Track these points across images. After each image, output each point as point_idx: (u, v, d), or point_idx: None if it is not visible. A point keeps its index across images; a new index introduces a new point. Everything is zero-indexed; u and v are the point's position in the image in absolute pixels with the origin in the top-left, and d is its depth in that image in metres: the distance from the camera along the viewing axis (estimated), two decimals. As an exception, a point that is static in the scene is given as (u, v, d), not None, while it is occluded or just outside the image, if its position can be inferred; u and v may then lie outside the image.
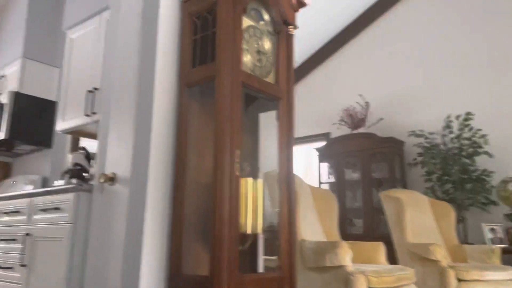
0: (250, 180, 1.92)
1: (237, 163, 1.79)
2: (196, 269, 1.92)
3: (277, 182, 2.10)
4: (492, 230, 4.25)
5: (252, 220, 1.90)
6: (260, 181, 1.98)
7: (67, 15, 3.52)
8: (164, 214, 1.94)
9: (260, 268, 1.99)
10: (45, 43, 4.12)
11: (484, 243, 4.22)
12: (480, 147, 4.36)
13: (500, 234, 4.23)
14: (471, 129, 4.45)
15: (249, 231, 1.89)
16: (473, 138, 4.42)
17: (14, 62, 4.07)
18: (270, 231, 2.18)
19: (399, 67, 5.47)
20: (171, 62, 2.08)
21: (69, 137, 3.95)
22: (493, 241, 4.18)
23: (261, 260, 1.99)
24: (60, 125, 3.34)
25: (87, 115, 3.07)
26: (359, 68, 5.84)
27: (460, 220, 4.32)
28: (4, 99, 3.88)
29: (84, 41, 3.31)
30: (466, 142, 4.47)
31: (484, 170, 4.39)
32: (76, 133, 3.49)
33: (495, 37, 4.82)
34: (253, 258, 2.00)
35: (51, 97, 4.05)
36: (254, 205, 1.91)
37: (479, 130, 4.44)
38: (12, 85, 3.97)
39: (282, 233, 2.01)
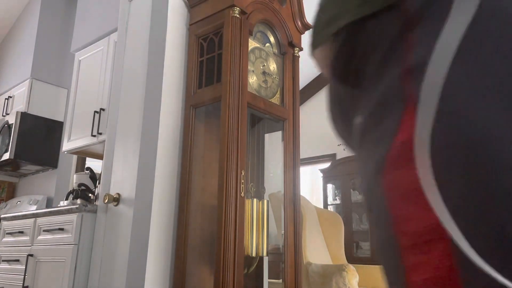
0: (255, 201, 1.90)
1: (242, 184, 1.78)
2: (200, 292, 1.89)
3: (282, 204, 2.08)
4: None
5: (257, 242, 1.87)
6: (265, 202, 1.96)
7: (75, 37, 3.58)
8: (169, 235, 1.92)
9: (265, 292, 1.95)
10: (53, 65, 4.18)
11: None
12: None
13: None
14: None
15: (254, 253, 1.86)
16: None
17: (22, 83, 4.12)
18: (275, 253, 2.15)
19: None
20: (177, 83, 2.09)
21: (75, 158, 3.96)
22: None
23: (266, 283, 1.96)
24: (66, 145, 3.35)
25: (93, 136, 3.08)
26: (364, 89, 5.85)
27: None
28: (12, 119, 3.91)
29: (91, 63, 3.35)
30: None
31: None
32: (82, 153, 3.50)
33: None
34: (258, 281, 1.96)
35: (58, 117, 4.08)
36: (259, 227, 1.89)
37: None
38: (20, 105, 4.01)
39: (287, 255, 1.98)
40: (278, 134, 2.15)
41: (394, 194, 0.39)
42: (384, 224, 0.41)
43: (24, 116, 3.87)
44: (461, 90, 0.35)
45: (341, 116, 0.52)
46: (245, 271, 1.81)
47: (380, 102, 0.41)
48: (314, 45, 0.49)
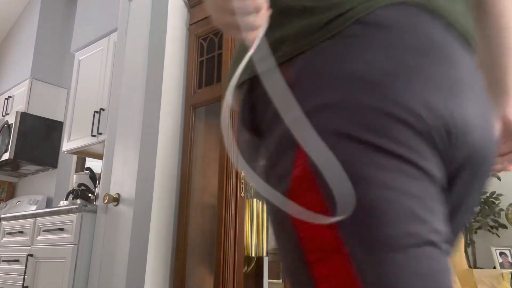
0: (255, 201, 1.90)
1: (242, 184, 1.78)
2: (200, 292, 1.89)
3: (282, 204, 2.08)
4: (502, 254, 4.17)
5: (257, 242, 1.87)
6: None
7: (75, 37, 3.58)
8: (169, 235, 1.92)
9: (265, 292, 1.95)
10: (53, 65, 4.18)
11: (493, 267, 4.14)
12: (488, 169, 4.32)
13: (510, 258, 4.14)
14: (478, 151, 4.42)
15: (253, 253, 1.86)
16: (481, 160, 4.39)
17: (22, 83, 4.12)
18: (275, 253, 2.15)
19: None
20: (177, 83, 2.09)
21: (75, 158, 3.96)
22: (503, 266, 4.10)
23: (266, 283, 1.96)
24: (66, 145, 3.35)
25: (93, 136, 3.08)
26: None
27: (469, 243, 4.25)
28: (11, 119, 3.91)
29: (91, 63, 3.35)
30: (473, 164, 4.43)
31: (493, 193, 4.34)
32: (82, 153, 3.50)
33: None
34: (258, 282, 1.96)
35: (58, 117, 4.08)
36: (259, 227, 1.89)
37: (486, 152, 4.41)
38: (20, 105, 4.01)
39: (287, 256, 1.98)
40: (278, 134, 2.15)
41: (299, 220, 0.49)
42: (294, 246, 0.50)
43: (24, 116, 3.87)
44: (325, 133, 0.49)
45: (249, 159, 0.60)
46: (245, 270, 1.81)
47: (276, 148, 0.52)
48: (224, 94, 0.57)
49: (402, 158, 0.49)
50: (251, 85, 0.58)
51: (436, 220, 0.51)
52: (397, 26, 0.53)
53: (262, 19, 0.53)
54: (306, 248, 0.50)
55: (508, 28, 0.70)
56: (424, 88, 0.52)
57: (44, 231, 2.57)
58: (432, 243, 0.49)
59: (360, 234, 0.47)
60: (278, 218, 0.53)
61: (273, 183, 0.52)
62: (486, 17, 0.70)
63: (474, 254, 4.25)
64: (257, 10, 0.52)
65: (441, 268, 0.50)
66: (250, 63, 0.54)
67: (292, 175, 0.49)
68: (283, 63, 0.55)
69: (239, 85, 0.59)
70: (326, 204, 0.48)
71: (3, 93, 4.43)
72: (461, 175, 0.57)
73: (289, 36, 0.56)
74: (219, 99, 1.87)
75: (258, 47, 0.52)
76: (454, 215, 0.60)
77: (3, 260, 2.85)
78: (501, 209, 4.31)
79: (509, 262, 4.13)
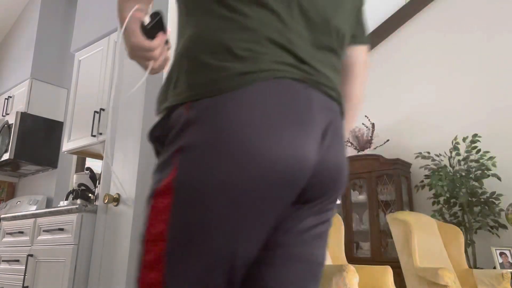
0: (255, 201, 1.90)
1: (242, 184, 1.77)
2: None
3: (282, 204, 2.07)
4: (502, 254, 4.17)
5: (257, 242, 1.87)
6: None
7: (75, 37, 3.58)
8: (168, 235, 1.92)
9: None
10: (53, 65, 4.18)
11: (493, 267, 4.13)
12: (488, 169, 4.31)
13: (510, 258, 4.14)
14: (478, 151, 4.41)
15: (254, 253, 1.86)
16: (481, 161, 4.38)
17: (22, 83, 4.12)
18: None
19: (406, 88, 5.48)
20: (177, 83, 2.09)
21: (75, 158, 3.96)
22: (503, 266, 4.10)
23: (266, 284, 1.95)
24: (66, 145, 3.35)
25: (93, 136, 3.08)
26: (365, 89, 5.84)
27: (469, 244, 4.25)
28: (11, 119, 3.91)
29: (91, 63, 3.35)
30: (474, 164, 4.43)
31: (493, 193, 4.33)
32: (82, 154, 3.50)
33: (504, 58, 4.83)
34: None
35: (58, 117, 4.08)
36: (259, 227, 1.89)
37: (487, 152, 4.40)
38: (20, 105, 4.01)
39: (287, 256, 1.97)
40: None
41: (152, 212, 0.73)
42: (143, 233, 0.74)
43: (24, 116, 3.87)
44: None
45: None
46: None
47: (164, 161, 0.74)
48: (156, 112, 0.82)
49: (250, 207, 0.73)
50: (168, 112, 0.78)
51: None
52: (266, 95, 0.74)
53: (161, 66, 0.89)
54: (146, 234, 0.73)
55: (360, 94, 1.11)
56: (278, 144, 0.72)
57: (44, 231, 2.57)
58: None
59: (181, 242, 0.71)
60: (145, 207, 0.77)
61: (154, 178, 0.76)
62: (348, 81, 1.04)
63: (474, 254, 4.25)
64: (155, 59, 0.85)
65: None
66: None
67: (163, 182, 0.72)
68: (184, 103, 0.75)
69: (163, 109, 0.79)
70: (167, 209, 0.71)
71: (3, 93, 4.43)
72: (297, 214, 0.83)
73: (193, 85, 0.76)
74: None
75: (167, 84, 0.80)
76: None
77: (3, 260, 2.85)
78: (501, 209, 4.30)
79: (509, 262, 4.12)
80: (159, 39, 0.85)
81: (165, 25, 0.88)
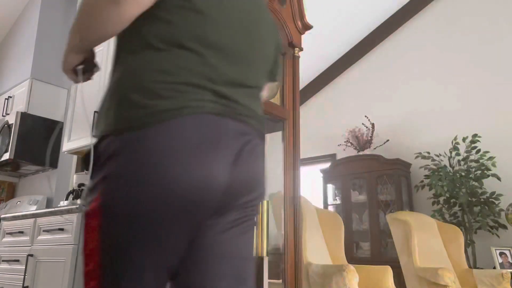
0: (255, 201, 1.90)
1: (242, 184, 1.78)
2: (200, 292, 1.89)
3: (282, 204, 2.08)
4: (502, 254, 4.17)
5: (257, 242, 1.87)
6: (265, 203, 1.95)
7: (75, 37, 3.57)
8: (168, 235, 1.92)
9: (265, 292, 1.95)
10: (53, 65, 4.17)
11: (493, 267, 4.13)
12: (488, 169, 4.31)
13: (510, 258, 4.14)
14: (478, 151, 4.42)
15: (253, 253, 1.86)
16: (481, 161, 4.39)
17: (22, 83, 4.12)
18: (275, 253, 2.15)
19: (405, 88, 5.48)
20: (177, 83, 2.09)
21: (75, 158, 3.96)
22: (503, 266, 4.10)
23: (266, 284, 1.96)
24: (66, 145, 3.35)
25: (94, 136, 3.07)
26: (364, 89, 5.85)
27: (469, 243, 4.25)
28: (12, 119, 3.91)
29: (91, 63, 3.34)
30: (474, 164, 4.43)
31: (493, 193, 4.33)
32: (82, 154, 3.50)
33: (503, 59, 4.83)
34: (258, 281, 1.96)
35: (58, 117, 4.08)
36: (259, 227, 1.89)
37: (487, 152, 4.40)
38: (20, 105, 4.01)
39: (287, 255, 1.97)
40: (278, 134, 2.15)
41: (86, 230, 0.86)
42: (82, 248, 0.88)
43: (24, 116, 3.87)
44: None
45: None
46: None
47: (93, 185, 0.87)
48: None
49: (168, 230, 0.87)
50: (100, 139, 0.90)
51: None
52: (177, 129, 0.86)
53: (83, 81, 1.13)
54: (84, 251, 0.87)
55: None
56: (192, 170, 0.85)
57: (44, 231, 2.57)
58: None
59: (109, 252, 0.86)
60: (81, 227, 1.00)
61: (85, 200, 0.89)
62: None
63: (474, 254, 4.25)
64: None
65: None
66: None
67: (91, 206, 0.86)
68: (111, 135, 0.88)
69: (97, 135, 0.92)
70: (96, 229, 0.85)
71: (3, 93, 4.43)
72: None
73: (120, 119, 0.87)
74: (219, 99, 1.87)
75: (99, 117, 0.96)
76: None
77: (3, 260, 2.85)
78: (501, 209, 4.31)
79: (509, 262, 4.12)
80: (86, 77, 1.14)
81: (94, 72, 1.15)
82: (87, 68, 1.08)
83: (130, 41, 0.93)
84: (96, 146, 0.91)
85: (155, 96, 0.85)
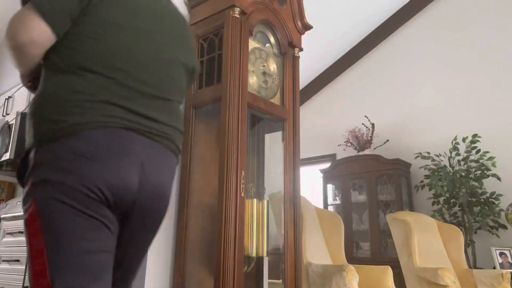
0: (255, 201, 1.90)
1: (242, 184, 1.78)
2: (200, 292, 1.89)
3: (282, 204, 2.08)
4: (502, 254, 4.17)
5: (257, 242, 1.87)
6: (265, 203, 1.96)
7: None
8: (169, 235, 1.92)
9: (265, 292, 1.95)
10: (53, 65, 4.17)
11: (493, 267, 4.14)
12: (488, 169, 4.31)
13: (510, 258, 4.15)
14: (478, 151, 4.42)
15: (254, 253, 1.86)
16: (481, 161, 4.39)
17: (23, 83, 4.11)
18: (276, 253, 2.15)
19: (405, 88, 5.48)
20: (177, 83, 2.09)
21: (75, 158, 3.95)
22: (503, 266, 4.10)
23: (266, 284, 1.96)
24: (66, 145, 3.35)
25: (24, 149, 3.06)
26: (365, 89, 5.85)
27: (469, 244, 4.25)
28: (12, 119, 3.91)
29: (92, 63, 3.34)
30: (474, 164, 4.43)
31: (493, 193, 4.34)
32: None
33: (503, 59, 4.83)
34: (258, 282, 1.96)
35: (58, 117, 4.08)
36: (259, 227, 1.89)
37: (487, 152, 4.40)
38: (20, 106, 4.01)
39: (287, 255, 1.98)
40: (278, 134, 2.15)
41: (30, 236, 1.01)
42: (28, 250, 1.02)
43: (24, 117, 3.86)
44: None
45: None
46: (245, 270, 1.81)
47: (26, 194, 1.04)
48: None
49: (93, 217, 1.02)
50: (26, 153, 1.08)
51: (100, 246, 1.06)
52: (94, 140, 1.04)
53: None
54: (31, 252, 1.01)
55: None
56: (104, 172, 1.03)
57: (44, 231, 2.57)
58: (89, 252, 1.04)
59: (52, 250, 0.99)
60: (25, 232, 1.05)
61: (23, 208, 1.05)
62: None
63: (474, 254, 4.25)
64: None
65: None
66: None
67: (29, 211, 1.01)
68: (33, 148, 1.06)
69: (25, 149, 1.09)
70: (39, 230, 0.99)
71: (3, 93, 4.43)
72: (129, 223, 1.13)
73: (39, 134, 1.06)
74: (219, 100, 1.87)
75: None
76: (125, 251, 1.17)
77: (3, 260, 2.85)
78: (501, 209, 4.31)
79: (508, 262, 4.13)
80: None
81: None
82: (36, 83, 1.25)
83: (49, 66, 1.11)
84: (24, 159, 1.08)
85: (68, 113, 1.03)
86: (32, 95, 1.16)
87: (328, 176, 5.51)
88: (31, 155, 1.05)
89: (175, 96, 1.25)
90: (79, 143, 1.02)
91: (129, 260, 1.20)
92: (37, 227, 0.99)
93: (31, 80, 1.24)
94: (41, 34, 1.08)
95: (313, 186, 6.02)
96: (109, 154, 1.04)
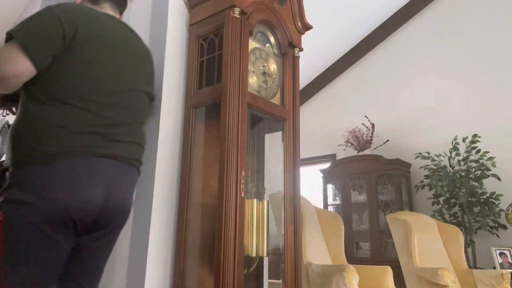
0: (255, 201, 1.90)
1: (242, 184, 1.78)
2: (200, 292, 1.89)
3: (282, 204, 2.08)
4: (502, 254, 4.17)
5: (257, 242, 1.87)
6: (265, 203, 1.96)
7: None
8: (169, 235, 1.92)
9: (265, 292, 1.95)
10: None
11: (493, 267, 4.14)
12: (488, 169, 4.31)
13: (510, 258, 4.15)
14: (478, 151, 4.42)
15: (254, 253, 1.86)
16: (481, 161, 4.39)
17: (23, 83, 4.12)
18: (276, 253, 2.15)
19: (405, 88, 5.48)
20: (177, 83, 2.09)
21: (75, 158, 3.95)
22: (503, 266, 4.10)
23: (266, 284, 1.96)
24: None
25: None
26: (365, 89, 5.85)
27: (469, 244, 4.25)
28: (12, 119, 3.91)
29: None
30: (474, 164, 4.43)
31: (493, 193, 4.34)
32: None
33: (504, 59, 4.83)
34: (258, 282, 1.96)
35: (58, 117, 4.08)
36: (259, 227, 1.89)
37: (487, 152, 4.40)
38: (20, 105, 4.01)
39: (287, 255, 1.98)
40: (278, 134, 2.15)
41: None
42: None
43: (24, 116, 3.86)
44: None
45: None
46: (245, 271, 1.81)
47: None
48: None
49: (52, 238, 1.18)
50: (3, 170, 1.21)
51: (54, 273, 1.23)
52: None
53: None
54: None
55: None
56: (74, 197, 1.21)
57: (44, 231, 2.57)
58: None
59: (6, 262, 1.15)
60: None
61: None
62: None
63: (474, 254, 4.25)
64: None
65: None
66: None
67: None
68: (8, 168, 1.22)
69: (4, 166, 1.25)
70: (1, 239, 1.13)
71: (4, 93, 4.43)
72: (92, 232, 1.33)
73: (16, 158, 1.23)
74: (219, 100, 1.87)
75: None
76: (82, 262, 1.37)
77: (3, 260, 2.86)
78: (501, 210, 4.31)
79: (508, 262, 4.13)
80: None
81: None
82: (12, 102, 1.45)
83: (28, 94, 1.25)
84: (0, 175, 1.22)
85: (45, 143, 1.19)
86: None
87: (328, 176, 5.51)
88: (8, 174, 1.21)
89: (139, 119, 1.49)
90: (52, 170, 1.18)
91: (93, 258, 1.40)
92: (1, 237, 1.14)
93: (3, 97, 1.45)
94: (24, 69, 1.23)
95: (313, 186, 6.01)
96: (79, 180, 1.21)
